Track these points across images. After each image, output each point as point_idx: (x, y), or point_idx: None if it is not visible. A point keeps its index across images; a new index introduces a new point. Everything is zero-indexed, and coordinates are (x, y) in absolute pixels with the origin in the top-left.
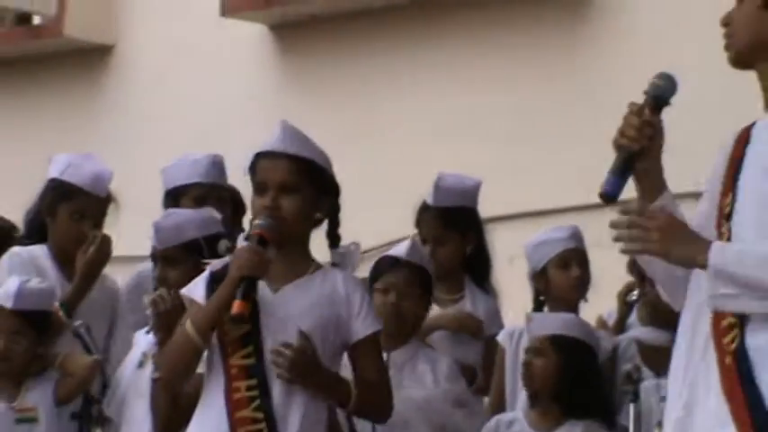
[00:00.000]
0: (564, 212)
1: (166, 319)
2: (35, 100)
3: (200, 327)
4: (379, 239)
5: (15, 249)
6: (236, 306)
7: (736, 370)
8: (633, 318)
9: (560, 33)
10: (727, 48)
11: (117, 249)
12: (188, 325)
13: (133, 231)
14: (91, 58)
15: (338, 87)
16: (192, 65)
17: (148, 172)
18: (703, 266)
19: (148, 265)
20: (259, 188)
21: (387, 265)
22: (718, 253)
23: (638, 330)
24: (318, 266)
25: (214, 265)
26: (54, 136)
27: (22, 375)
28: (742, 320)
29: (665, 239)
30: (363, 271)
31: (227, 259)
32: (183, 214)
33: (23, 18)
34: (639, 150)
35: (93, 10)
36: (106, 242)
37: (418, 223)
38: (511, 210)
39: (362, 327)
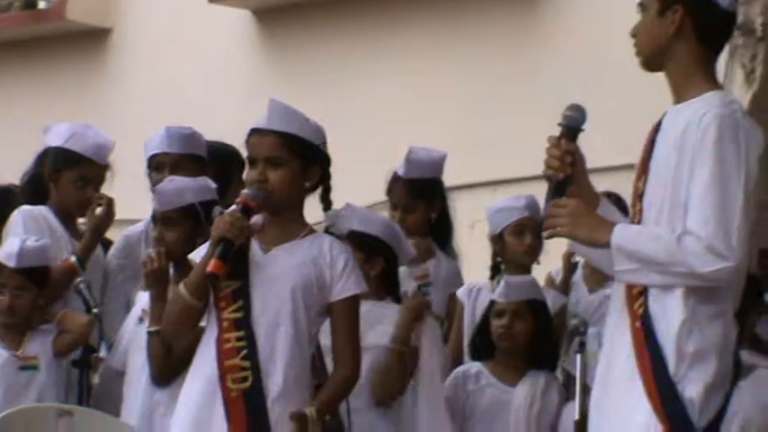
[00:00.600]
0: (520, 181)
1: (156, 278)
2: (40, 77)
3: (191, 286)
4: (352, 198)
5: (26, 207)
6: (211, 265)
7: (643, 331)
8: (578, 275)
9: (519, 16)
10: (636, 55)
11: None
12: (181, 286)
13: (124, 196)
14: (91, 39)
15: (315, 68)
16: (182, 47)
17: (140, 143)
18: (607, 245)
19: (136, 227)
20: (250, 161)
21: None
22: (620, 233)
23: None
24: (311, 231)
25: None
26: (57, 110)
27: (26, 327)
28: (646, 288)
29: (572, 223)
30: None
31: None
32: (183, 181)
33: (29, 3)
34: (566, 177)
35: None
36: (112, 204)
37: (389, 192)
38: (472, 179)
39: (342, 288)
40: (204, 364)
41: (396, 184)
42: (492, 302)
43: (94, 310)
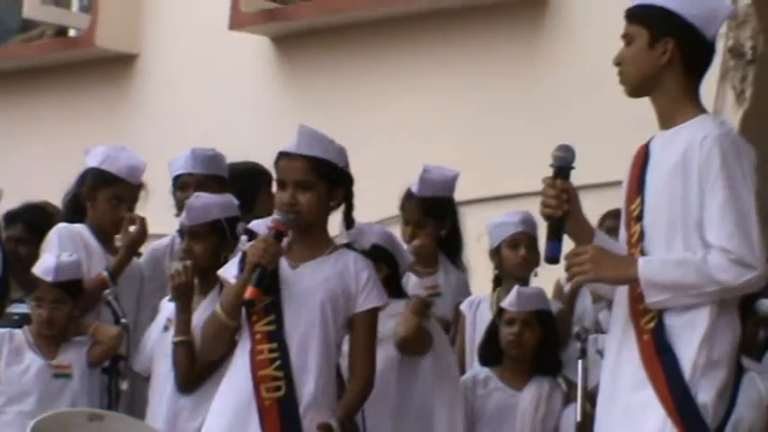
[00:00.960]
0: (525, 196)
1: (182, 290)
2: (69, 101)
3: (227, 308)
4: (361, 218)
5: (62, 225)
6: (249, 292)
7: (654, 344)
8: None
9: (518, 40)
10: (621, 83)
11: None
12: (217, 307)
13: (149, 213)
14: (118, 65)
15: (332, 93)
16: (205, 72)
17: (164, 164)
18: (635, 281)
19: (162, 241)
20: (279, 185)
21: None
22: (646, 267)
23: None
24: (336, 248)
25: (247, 245)
26: (85, 132)
27: (60, 338)
28: None
29: (596, 268)
30: None
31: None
32: (211, 197)
33: (60, 31)
34: (563, 214)
35: (120, 23)
36: (144, 223)
37: (402, 208)
38: (479, 194)
39: (364, 300)
40: (238, 375)
41: (409, 201)
42: (501, 310)
43: (123, 321)
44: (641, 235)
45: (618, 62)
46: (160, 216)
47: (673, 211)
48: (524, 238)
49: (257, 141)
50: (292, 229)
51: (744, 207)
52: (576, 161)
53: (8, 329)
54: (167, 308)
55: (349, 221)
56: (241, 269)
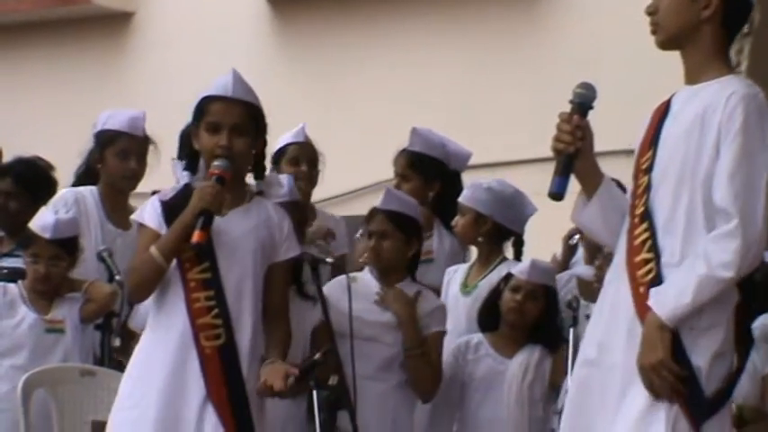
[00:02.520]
0: (517, 164)
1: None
2: (65, 59)
3: (165, 251)
4: (356, 181)
5: (63, 191)
6: (197, 236)
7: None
8: (578, 255)
9: (518, 6)
10: (654, 33)
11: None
12: (153, 249)
13: (147, 169)
14: (114, 23)
15: (327, 56)
16: (201, 32)
17: (160, 120)
18: (664, 326)
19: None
20: (212, 128)
21: (368, 215)
22: (660, 307)
23: (579, 268)
24: (252, 195)
25: (164, 194)
26: (80, 90)
27: (54, 294)
28: (657, 257)
29: (648, 353)
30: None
31: (174, 189)
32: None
33: None
34: (575, 152)
35: None
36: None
37: (394, 161)
38: (476, 161)
39: (284, 251)
40: (175, 323)
41: (400, 154)
42: (509, 276)
43: (117, 278)
44: (648, 186)
45: (651, 11)
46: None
47: (684, 164)
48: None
49: None
50: (229, 177)
51: (756, 170)
52: (595, 102)
53: (2, 284)
54: None
55: (260, 171)
56: (166, 218)
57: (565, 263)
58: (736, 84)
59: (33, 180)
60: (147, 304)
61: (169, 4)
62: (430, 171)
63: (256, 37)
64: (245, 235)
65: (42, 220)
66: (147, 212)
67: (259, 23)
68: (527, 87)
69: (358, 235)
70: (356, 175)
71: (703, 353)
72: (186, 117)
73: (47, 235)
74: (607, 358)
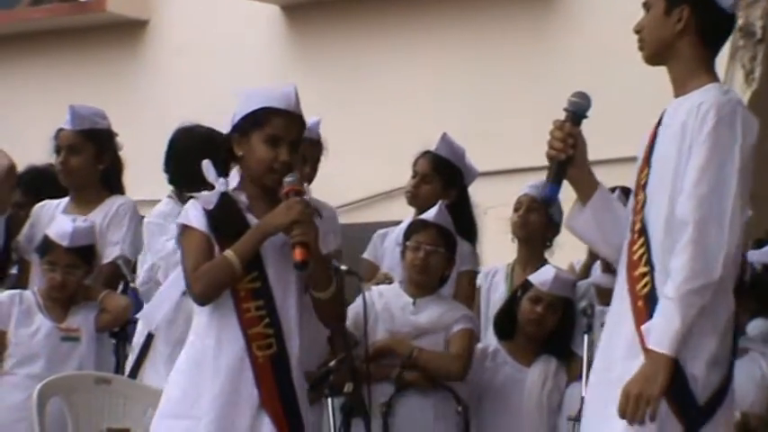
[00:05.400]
0: (532, 171)
1: None
2: (79, 67)
3: (243, 257)
4: (369, 189)
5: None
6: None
7: (646, 311)
8: (597, 262)
9: (529, 16)
10: (640, 50)
11: (142, 192)
12: (230, 254)
13: (158, 177)
14: (129, 30)
15: (340, 62)
16: (215, 39)
17: (173, 128)
18: (668, 360)
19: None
20: (272, 140)
21: (418, 226)
22: (658, 344)
23: (596, 276)
24: None
25: (204, 201)
26: (95, 98)
27: (70, 302)
28: (652, 270)
29: (646, 387)
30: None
31: (215, 194)
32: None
33: None
34: (567, 158)
35: None
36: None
37: (415, 162)
38: (486, 168)
39: (324, 244)
40: (227, 331)
41: (423, 156)
42: (528, 284)
43: (132, 285)
44: (644, 202)
45: (637, 30)
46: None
47: (672, 176)
48: (526, 200)
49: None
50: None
51: (723, 176)
52: (590, 111)
53: (18, 291)
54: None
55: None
56: (213, 227)
57: (586, 269)
58: (711, 92)
59: (44, 190)
60: (166, 308)
61: (183, 11)
62: (451, 178)
63: (270, 44)
64: (289, 242)
65: (60, 228)
66: (194, 216)
67: (273, 30)
68: (542, 94)
69: (379, 245)
70: (369, 183)
71: (698, 360)
72: (200, 122)
73: (64, 243)
74: (608, 371)
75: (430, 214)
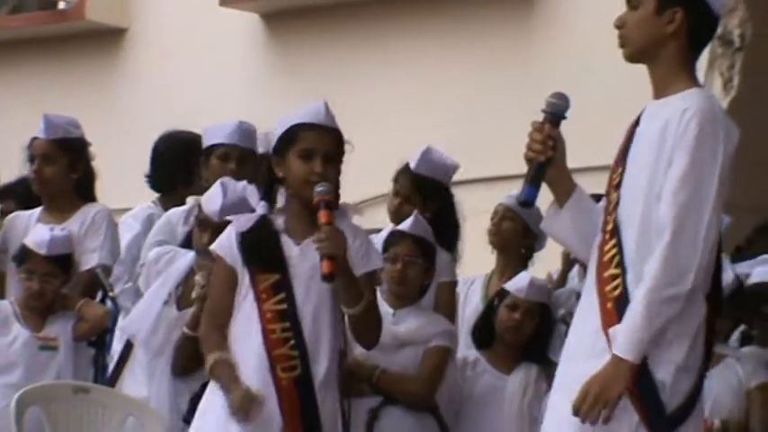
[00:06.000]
0: (512, 179)
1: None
2: (58, 76)
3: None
4: (352, 198)
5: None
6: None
7: (617, 314)
8: (574, 271)
9: (511, 25)
10: (621, 46)
11: (123, 201)
12: (212, 359)
13: (136, 185)
14: (108, 38)
15: (320, 71)
16: (194, 47)
17: (153, 136)
18: (635, 366)
19: (177, 209)
20: (305, 155)
21: (396, 237)
22: (623, 350)
23: (577, 284)
24: None
25: (240, 224)
26: (75, 107)
27: (47, 311)
28: (624, 272)
29: (600, 396)
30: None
31: (253, 217)
32: (240, 192)
33: (49, 3)
34: (546, 160)
35: None
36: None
37: (395, 179)
38: (469, 176)
39: (361, 265)
40: (251, 356)
41: (404, 174)
42: (504, 292)
43: (111, 294)
44: (617, 202)
45: (619, 25)
46: (146, 189)
47: (647, 180)
48: (501, 209)
49: (246, 115)
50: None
51: (703, 185)
52: (568, 112)
53: None
54: (172, 277)
55: (337, 198)
56: (245, 254)
57: (563, 277)
58: (694, 97)
59: (37, 201)
60: (149, 318)
61: (162, 19)
62: (432, 194)
63: (250, 52)
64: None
65: (38, 237)
66: (225, 241)
67: (253, 39)
68: (520, 102)
69: None
70: (352, 190)
71: (666, 366)
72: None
73: (42, 251)
74: (571, 368)
75: (406, 224)
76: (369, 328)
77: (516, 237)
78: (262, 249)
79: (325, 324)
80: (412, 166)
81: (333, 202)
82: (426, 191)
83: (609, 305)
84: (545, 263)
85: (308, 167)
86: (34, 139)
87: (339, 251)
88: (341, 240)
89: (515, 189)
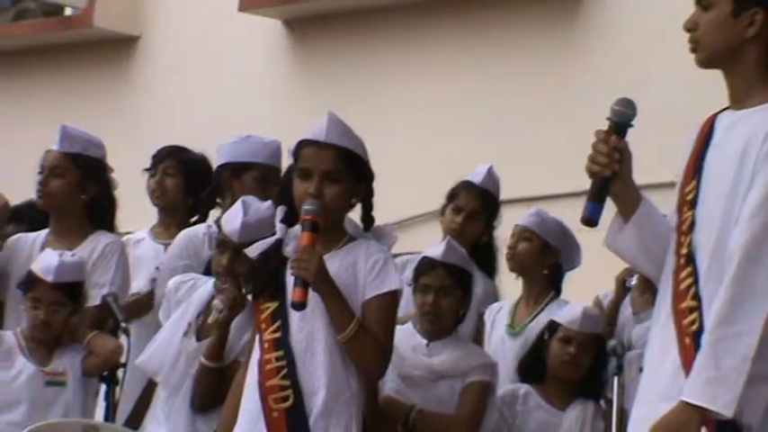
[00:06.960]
0: (555, 198)
1: (224, 324)
2: (66, 85)
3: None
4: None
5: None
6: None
7: (695, 349)
8: (626, 300)
9: (550, 32)
10: (693, 51)
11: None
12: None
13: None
14: (118, 47)
15: (343, 78)
16: (210, 55)
17: None
18: (700, 411)
19: (196, 228)
20: (303, 174)
21: (426, 266)
22: (688, 388)
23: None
24: (350, 239)
25: (252, 250)
26: (82, 118)
27: (55, 343)
28: (700, 305)
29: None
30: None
31: (268, 242)
32: (263, 212)
33: (56, 10)
34: (612, 175)
35: (120, 3)
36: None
37: (454, 195)
38: (505, 196)
39: (371, 287)
40: (250, 387)
41: (468, 189)
42: (555, 324)
43: (123, 324)
44: (692, 224)
45: (690, 27)
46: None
47: (726, 203)
48: (517, 230)
49: (265, 128)
50: (322, 222)
51: None
52: (635, 120)
53: None
54: (192, 306)
55: (368, 222)
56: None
57: (615, 305)
58: None
59: (45, 223)
60: (170, 352)
61: (177, 27)
62: (495, 213)
63: (272, 62)
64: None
65: (45, 262)
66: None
67: (275, 47)
68: (564, 115)
69: None
70: (381, 206)
71: (754, 408)
72: (195, 146)
73: (49, 278)
74: (648, 412)
75: (437, 251)
76: (362, 356)
77: (534, 257)
78: (259, 277)
79: (321, 352)
80: (477, 181)
81: (317, 224)
82: (492, 209)
83: (687, 341)
84: (576, 284)
85: (304, 187)
86: (49, 150)
87: (309, 275)
88: (312, 264)
89: (557, 208)
